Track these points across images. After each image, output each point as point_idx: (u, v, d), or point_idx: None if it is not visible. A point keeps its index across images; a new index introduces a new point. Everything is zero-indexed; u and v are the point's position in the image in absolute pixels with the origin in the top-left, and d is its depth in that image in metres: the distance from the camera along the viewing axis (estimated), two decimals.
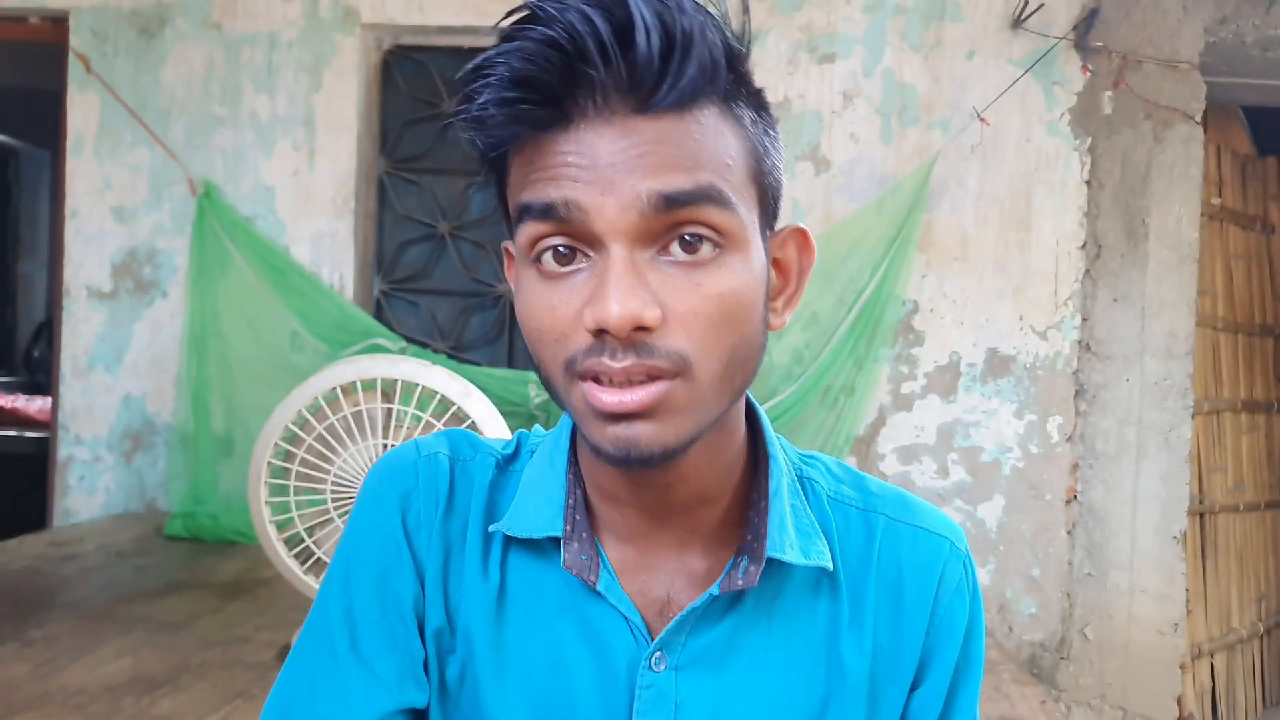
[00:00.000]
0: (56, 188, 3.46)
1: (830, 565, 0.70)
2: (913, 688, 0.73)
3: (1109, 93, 3.19)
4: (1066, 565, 3.22)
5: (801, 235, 0.71)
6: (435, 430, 1.88)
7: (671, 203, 0.59)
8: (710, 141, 0.60)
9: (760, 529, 0.69)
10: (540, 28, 0.58)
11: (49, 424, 3.47)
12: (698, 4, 0.60)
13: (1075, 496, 3.23)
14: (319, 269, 3.30)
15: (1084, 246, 3.21)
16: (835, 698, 0.71)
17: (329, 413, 1.90)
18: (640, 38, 0.57)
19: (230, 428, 3.22)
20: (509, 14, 0.60)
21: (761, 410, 0.74)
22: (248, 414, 3.16)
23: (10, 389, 5.65)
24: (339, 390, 1.90)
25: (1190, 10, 3.19)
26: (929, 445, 3.24)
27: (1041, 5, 3.12)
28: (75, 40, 3.34)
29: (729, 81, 0.62)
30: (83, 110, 3.35)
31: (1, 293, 6.31)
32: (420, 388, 1.88)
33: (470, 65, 0.61)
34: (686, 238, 0.60)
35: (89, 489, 3.36)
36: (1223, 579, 3.72)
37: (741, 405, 0.72)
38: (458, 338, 3.41)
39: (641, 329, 0.59)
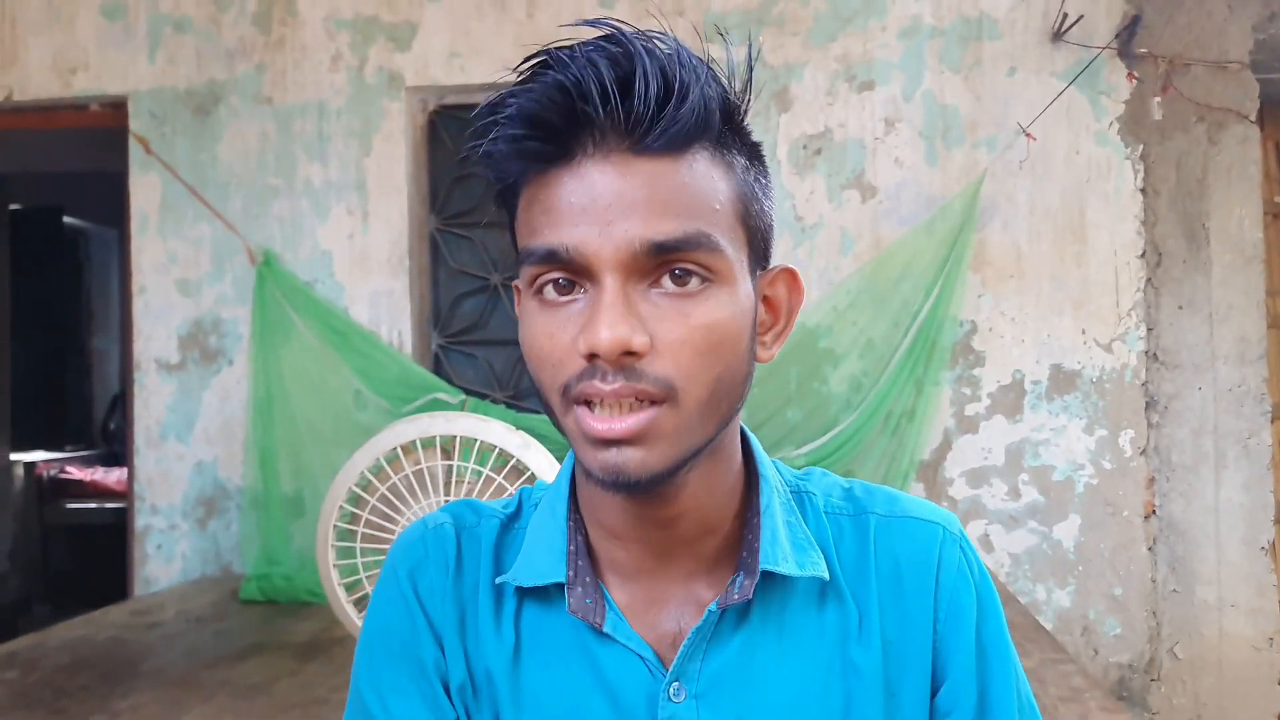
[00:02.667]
0: (124, 265, 3.58)
1: (826, 575, 0.72)
2: (939, 685, 0.73)
3: (1158, 98, 3.13)
4: (1150, 583, 3.12)
5: (791, 275, 0.74)
6: (495, 484, 1.90)
7: (661, 249, 0.63)
8: (700, 184, 0.65)
9: (754, 545, 0.72)
10: (551, 72, 0.64)
11: (127, 494, 3.57)
12: (699, 60, 0.66)
13: (1154, 511, 3.14)
14: (378, 328, 3.36)
15: (1143, 255, 3.15)
16: (855, 701, 0.72)
17: (391, 473, 1.93)
18: (639, 84, 0.63)
19: (300, 488, 3.27)
20: (527, 59, 0.66)
21: (753, 436, 0.78)
22: (316, 474, 3.21)
23: (89, 462, 5.82)
24: (399, 450, 1.93)
25: (1236, 9, 3.13)
26: (998, 467, 3.18)
27: (1081, 17, 3.09)
28: (135, 123, 3.47)
29: (722, 129, 0.67)
30: (145, 190, 3.47)
31: (77, 368, 6.53)
32: (479, 442, 1.90)
33: (483, 104, 0.68)
34: (676, 272, 0.64)
35: (166, 556, 3.44)
36: None
37: (735, 433, 0.75)
38: (516, 386, 3.44)
39: (630, 354, 0.62)
